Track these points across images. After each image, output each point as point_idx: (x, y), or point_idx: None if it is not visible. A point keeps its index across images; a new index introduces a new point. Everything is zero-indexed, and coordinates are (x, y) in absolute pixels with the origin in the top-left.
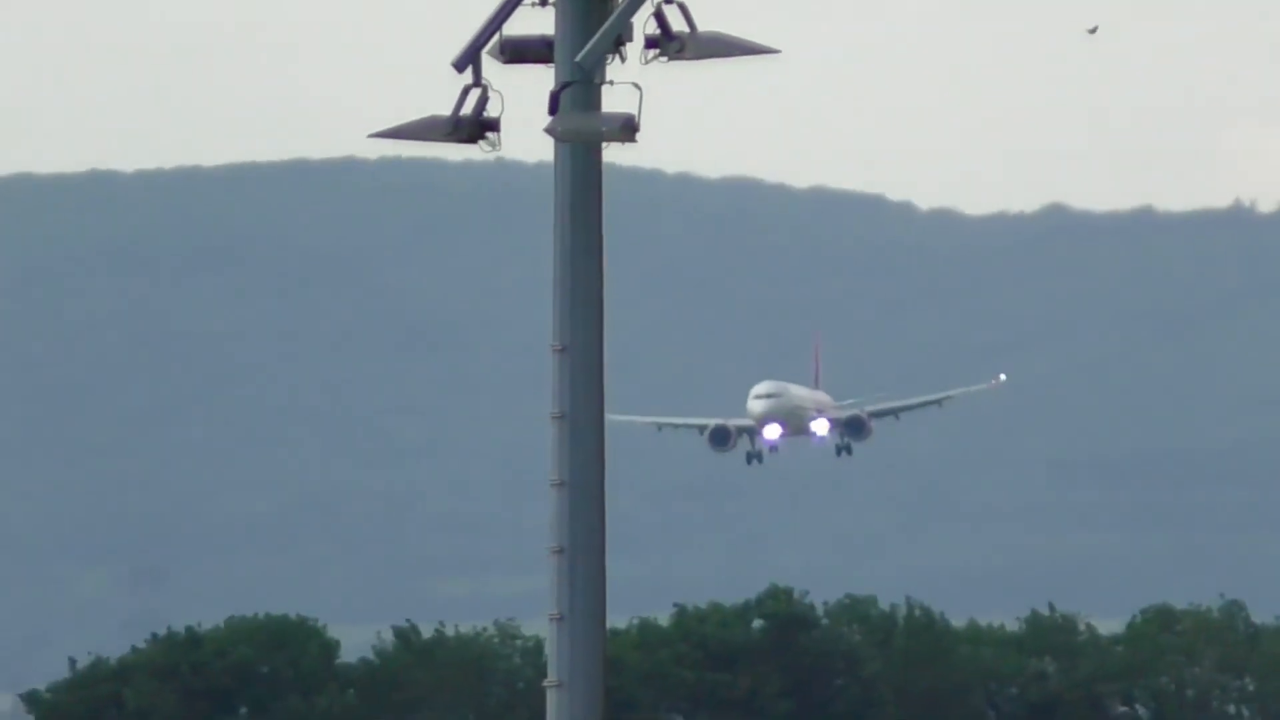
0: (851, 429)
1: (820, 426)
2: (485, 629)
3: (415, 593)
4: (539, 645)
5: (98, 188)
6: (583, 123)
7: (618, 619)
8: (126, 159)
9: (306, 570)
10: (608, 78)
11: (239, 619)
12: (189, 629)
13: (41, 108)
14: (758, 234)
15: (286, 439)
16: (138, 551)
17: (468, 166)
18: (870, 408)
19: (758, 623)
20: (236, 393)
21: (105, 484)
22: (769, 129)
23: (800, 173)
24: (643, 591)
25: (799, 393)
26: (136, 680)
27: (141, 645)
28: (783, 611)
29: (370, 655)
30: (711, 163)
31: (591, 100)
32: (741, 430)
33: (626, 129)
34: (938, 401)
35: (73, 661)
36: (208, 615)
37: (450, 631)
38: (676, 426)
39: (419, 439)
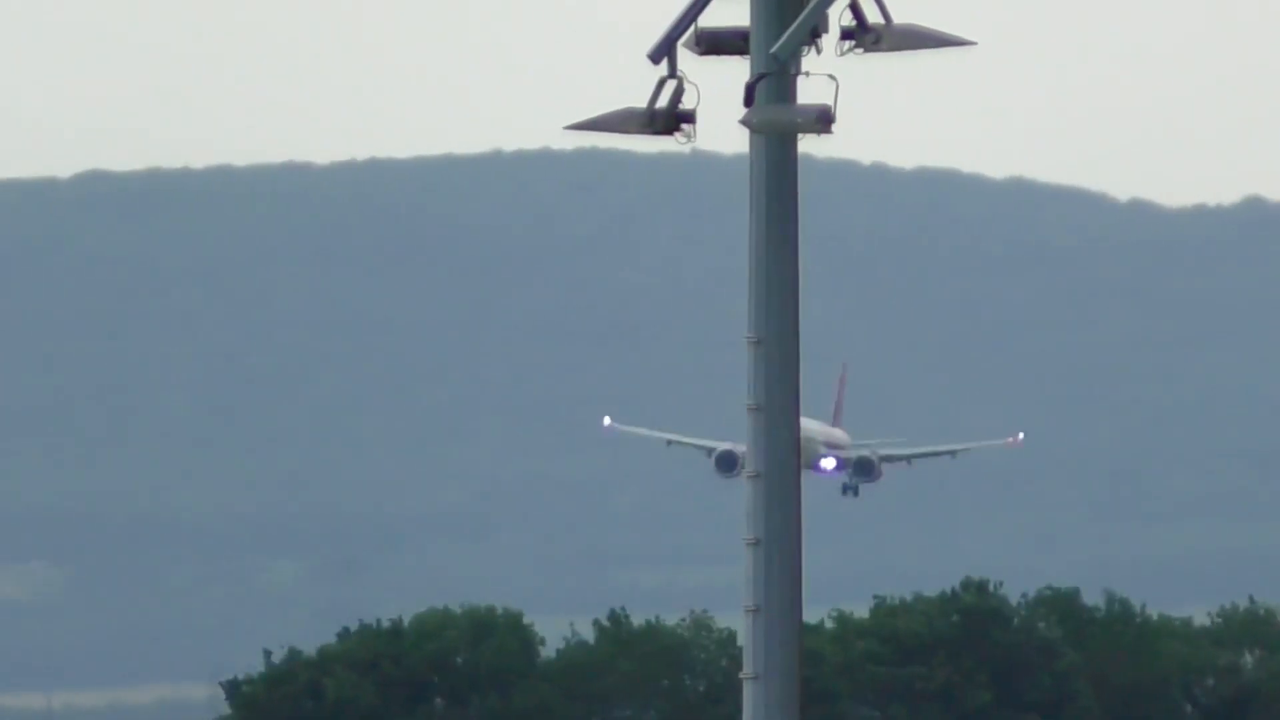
0: (861, 470)
1: (828, 463)
2: (681, 621)
3: (609, 584)
4: (733, 637)
5: (292, 179)
6: (778, 114)
7: (814, 612)
8: (321, 151)
9: (498, 561)
10: (803, 69)
11: (438, 611)
12: (389, 621)
13: (238, 102)
14: (952, 225)
15: (479, 430)
16: (331, 543)
17: (663, 158)
18: (883, 451)
19: (954, 616)
20: (429, 384)
21: (299, 476)
22: (965, 119)
23: (997, 163)
24: (839, 584)
25: (810, 426)
26: (336, 672)
27: (334, 637)
28: (978, 604)
29: (565, 647)
30: (906, 153)
31: (786, 92)
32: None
33: (822, 120)
34: (951, 452)
35: (267, 653)
36: (399, 607)
37: (645, 623)
38: (685, 444)
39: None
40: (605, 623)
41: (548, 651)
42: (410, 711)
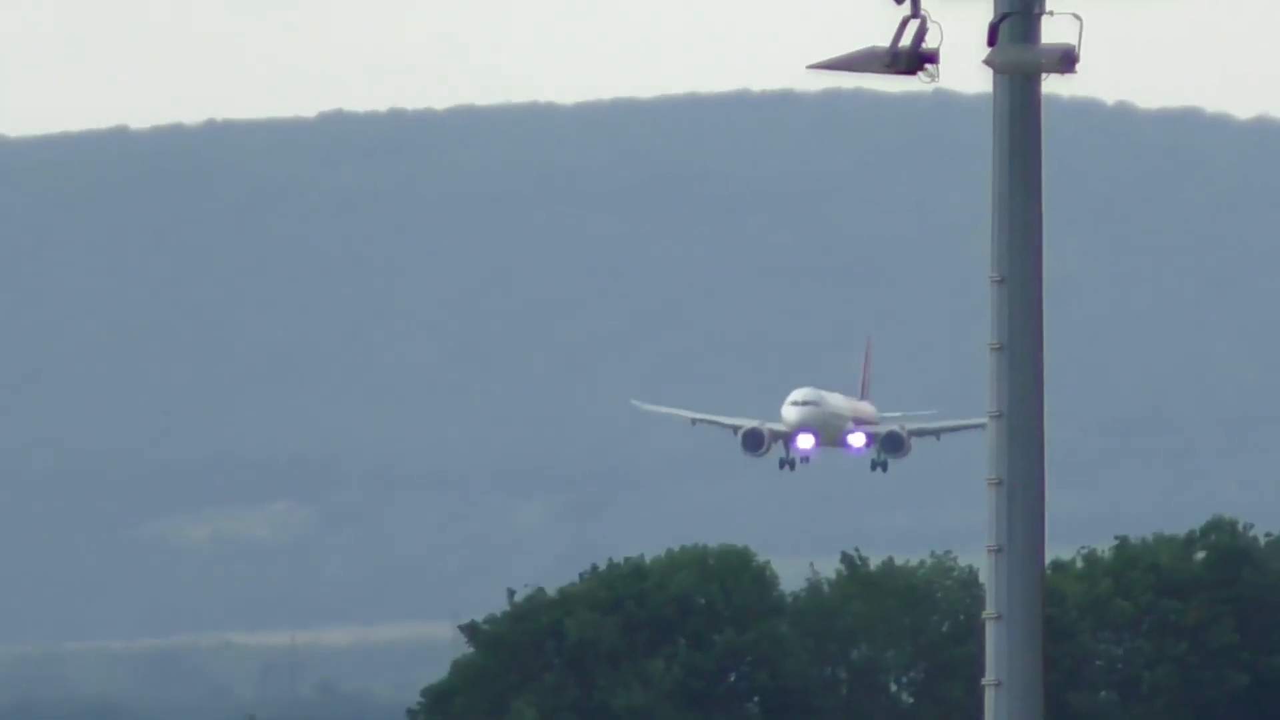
0: (890, 445)
1: (856, 439)
2: (923, 561)
3: (850, 524)
4: (975, 577)
5: (537, 120)
6: (1021, 54)
7: (1059, 551)
8: (565, 92)
9: (740, 502)
10: (1046, 8)
11: (680, 550)
12: (632, 560)
13: (482, 42)
14: (1196, 166)
15: (724, 369)
16: (574, 484)
17: (906, 98)
18: (911, 425)
19: (1200, 555)
20: (675, 324)
21: (544, 418)
22: (1209, 58)
23: (1242, 102)
24: (1084, 524)
25: (837, 402)
26: (578, 612)
27: (576, 577)
28: (1226, 544)
29: (805, 587)
30: (1150, 93)
31: (1030, 32)
32: (777, 435)
33: (1066, 60)
34: (981, 425)
35: (511, 593)
36: (642, 547)
37: (886, 563)
38: (711, 423)
39: (857, 368)
40: (846, 563)
41: (789, 592)
42: (651, 652)
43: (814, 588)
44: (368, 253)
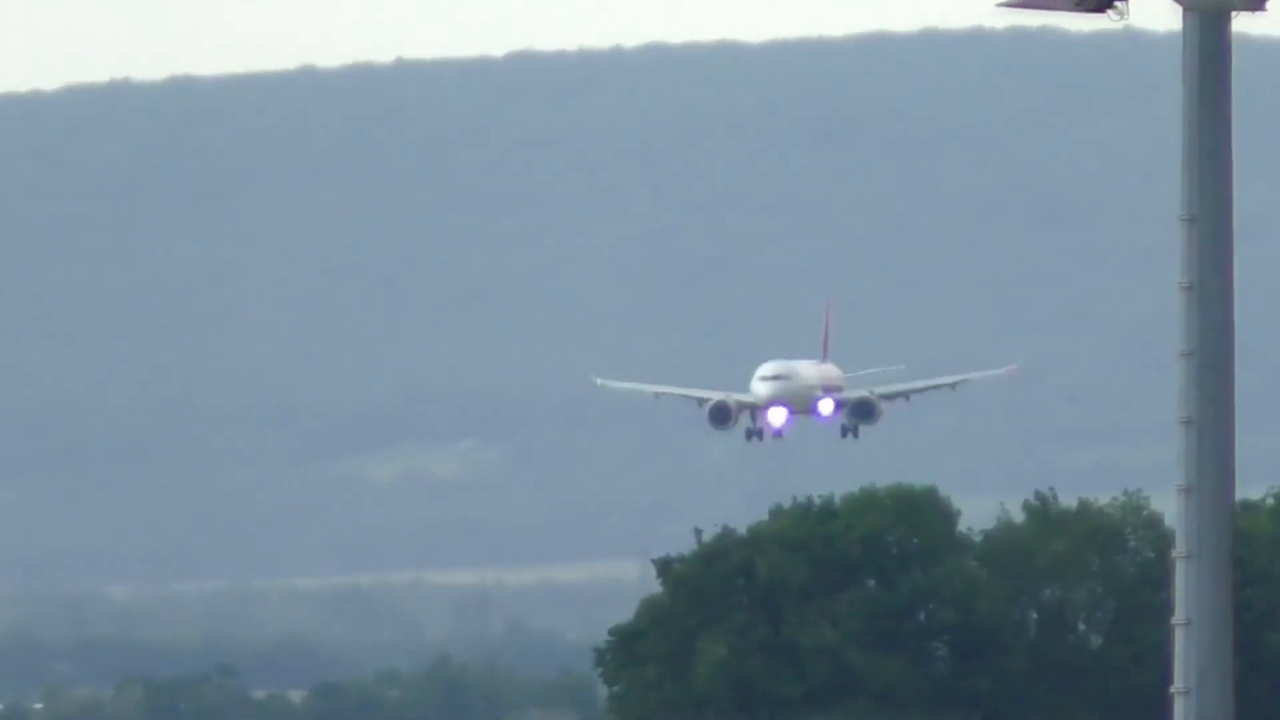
0: (860, 411)
1: (826, 407)
2: (1114, 499)
3: (1042, 463)
4: (1164, 517)
5: (725, 57)
6: None
7: (1249, 491)
8: (754, 29)
9: (929, 440)
10: None
11: (868, 490)
12: (820, 500)
13: None
14: None
15: (910, 308)
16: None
17: (1096, 37)
18: (879, 389)
19: None
20: (860, 262)
21: (733, 355)
22: None
23: None
24: (1274, 463)
25: (807, 372)
26: (768, 551)
27: (766, 515)
28: None
29: (994, 527)
30: None
31: None
32: (743, 406)
33: None
34: (951, 385)
35: (698, 531)
36: (831, 485)
37: (1077, 502)
38: (675, 396)
39: (1048, 309)
40: (1035, 502)
41: (976, 531)
42: (840, 591)
43: (1004, 526)
44: (555, 191)
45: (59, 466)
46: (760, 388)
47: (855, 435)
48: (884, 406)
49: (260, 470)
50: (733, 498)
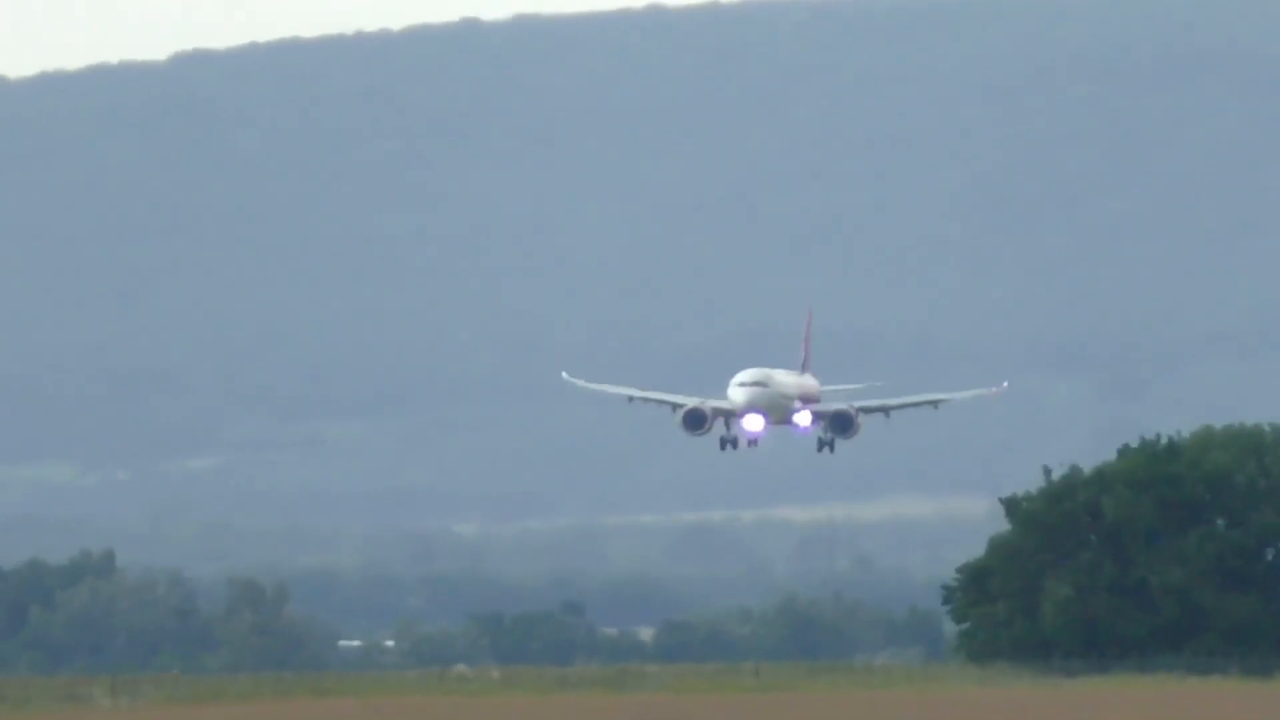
0: (838, 424)
1: (803, 418)
2: None
3: None
4: None
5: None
6: None
7: None
8: None
9: (1276, 379)
10: None
11: (1215, 429)
12: (1167, 439)
13: None
14: None
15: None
16: (1113, 363)
17: None
18: (859, 403)
19: None
20: (1210, 201)
21: (1078, 295)
22: None
23: None
24: None
25: (785, 380)
26: (1115, 490)
27: (1113, 455)
28: None
29: None
30: None
31: None
32: (719, 412)
33: None
34: (932, 403)
35: (1047, 470)
36: (1179, 425)
37: None
38: (648, 400)
39: None
40: None
41: None
42: (1187, 531)
43: None
44: (896, 128)
45: (408, 405)
46: (737, 394)
47: (831, 449)
48: (862, 420)
49: (607, 408)
50: (1083, 435)
